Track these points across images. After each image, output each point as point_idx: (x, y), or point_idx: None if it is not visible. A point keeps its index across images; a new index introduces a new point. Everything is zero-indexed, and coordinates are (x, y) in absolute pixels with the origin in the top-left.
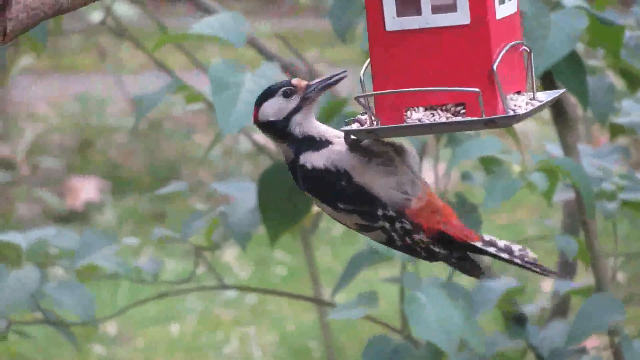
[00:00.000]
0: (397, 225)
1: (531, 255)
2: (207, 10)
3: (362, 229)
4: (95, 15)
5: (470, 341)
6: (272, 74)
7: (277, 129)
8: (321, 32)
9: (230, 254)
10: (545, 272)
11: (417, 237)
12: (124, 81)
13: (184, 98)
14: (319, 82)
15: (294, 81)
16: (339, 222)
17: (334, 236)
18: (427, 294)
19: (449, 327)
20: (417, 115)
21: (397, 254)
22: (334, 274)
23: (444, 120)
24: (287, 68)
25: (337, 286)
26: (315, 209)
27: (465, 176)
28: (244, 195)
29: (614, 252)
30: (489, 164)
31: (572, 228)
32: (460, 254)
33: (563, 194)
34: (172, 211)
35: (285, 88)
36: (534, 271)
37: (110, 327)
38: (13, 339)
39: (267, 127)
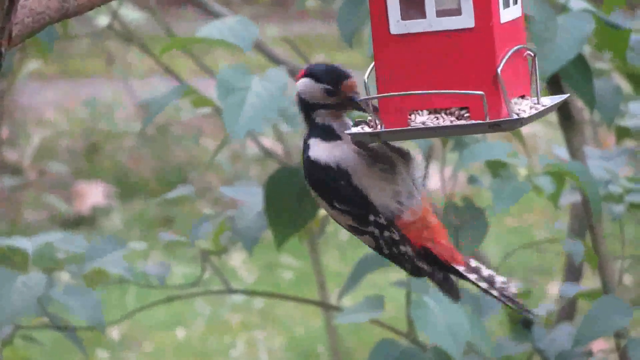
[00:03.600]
0: (386, 234)
1: (512, 290)
2: (215, 15)
3: (353, 230)
4: (102, 20)
5: (478, 345)
6: (279, 78)
7: (302, 105)
8: (329, 37)
9: (237, 258)
10: (521, 310)
11: (402, 249)
12: (132, 86)
13: (192, 102)
14: (366, 101)
15: (344, 85)
16: (334, 220)
17: (341, 240)
18: (434, 297)
19: (456, 330)
20: (422, 119)
21: None
22: (342, 277)
23: (447, 123)
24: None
25: (344, 290)
26: (322, 212)
27: (472, 179)
28: (251, 199)
29: (621, 255)
30: (496, 167)
31: (579, 231)
32: (443, 274)
33: (570, 197)
34: (180, 215)
35: (328, 87)
36: (509, 306)
37: (115, 332)
38: (20, 343)
39: (300, 103)
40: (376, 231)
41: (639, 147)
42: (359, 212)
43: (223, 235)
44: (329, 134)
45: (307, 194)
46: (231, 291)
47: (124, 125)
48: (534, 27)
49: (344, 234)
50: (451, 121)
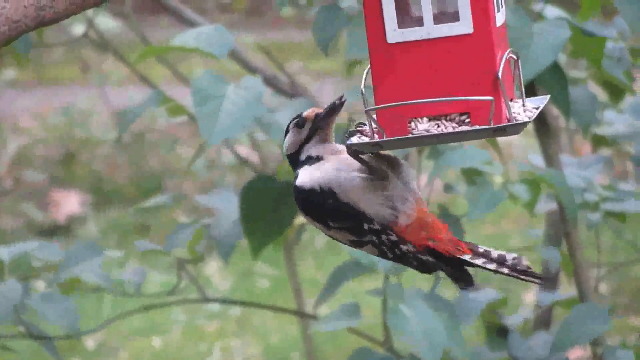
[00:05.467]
0: (384, 237)
1: (525, 263)
2: (191, 23)
3: (354, 244)
4: (78, 28)
5: (454, 352)
6: (255, 86)
7: (292, 160)
8: (305, 44)
9: (212, 266)
10: (536, 280)
11: (404, 247)
12: (107, 94)
13: (167, 111)
14: (325, 109)
15: (306, 113)
16: (335, 239)
17: (317, 248)
18: (410, 305)
19: (433, 338)
20: (423, 126)
21: (381, 266)
22: (318, 285)
23: (450, 130)
24: (269, 81)
25: (320, 298)
26: (298, 221)
27: (447, 187)
28: (227, 207)
29: (597, 263)
30: (472, 175)
31: (555, 239)
32: (452, 265)
33: (546, 205)
34: (156, 223)
35: (296, 120)
36: (524, 280)
37: (90, 341)
38: None
39: (289, 159)
40: (374, 238)
41: (615, 154)
42: (353, 225)
43: (199, 243)
44: (311, 160)
45: (283, 202)
46: (208, 300)
47: (99, 133)
48: (510, 34)
49: (320, 242)
50: (453, 127)
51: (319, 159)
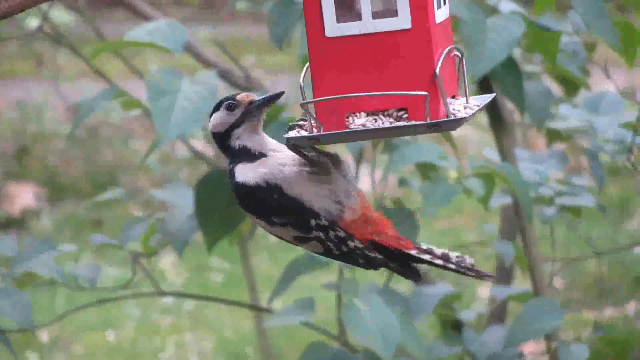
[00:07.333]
0: (331, 234)
1: (469, 261)
2: (145, 17)
3: (299, 240)
4: (32, 22)
5: (409, 347)
6: (210, 81)
7: (219, 140)
8: (259, 39)
9: (166, 260)
10: (482, 276)
11: (352, 244)
12: (61, 88)
13: (121, 105)
14: (261, 98)
15: (239, 96)
16: (277, 236)
17: (271, 242)
18: (364, 300)
19: (387, 332)
20: (360, 121)
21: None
22: (272, 280)
23: (387, 125)
24: (224, 75)
25: (274, 292)
26: None
27: (402, 182)
28: (181, 201)
29: (551, 257)
30: (426, 169)
31: (510, 233)
32: (398, 261)
33: (501, 199)
34: (110, 218)
35: (228, 102)
36: (471, 275)
37: (44, 334)
38: None
39: (213, 137)
40: (321, 234)
41: (569, 149)
42: (299, 221)
43: (153, 237)
44: (249, 156)
45: None
46: (161, 293)
47: (53, 127)
48: (465, 29)
49: (274, 237)
50: (390, 122)
51: (261, 155)
